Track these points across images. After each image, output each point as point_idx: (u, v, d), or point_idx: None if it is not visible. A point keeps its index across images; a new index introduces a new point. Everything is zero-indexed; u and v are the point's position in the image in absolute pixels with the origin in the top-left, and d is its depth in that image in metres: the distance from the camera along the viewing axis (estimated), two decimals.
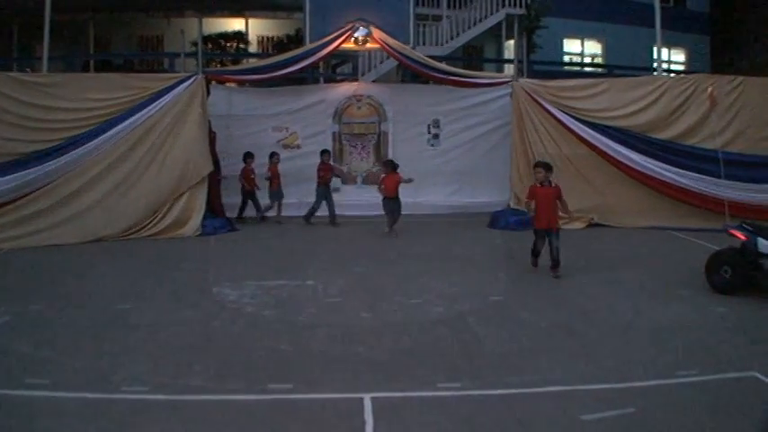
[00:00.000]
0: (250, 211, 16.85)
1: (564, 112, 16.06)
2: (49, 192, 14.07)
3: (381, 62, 24.32)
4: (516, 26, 26.18)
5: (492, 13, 27.52)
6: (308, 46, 16.97)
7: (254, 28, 31.72)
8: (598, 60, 32.65)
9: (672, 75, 24.13)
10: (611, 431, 5.73)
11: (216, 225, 15.15)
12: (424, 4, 26.81)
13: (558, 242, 11.06)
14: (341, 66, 27.17)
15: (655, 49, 20.85)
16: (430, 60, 17.47)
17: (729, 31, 31.83)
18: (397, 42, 16.78)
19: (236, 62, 27.67)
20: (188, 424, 5.81)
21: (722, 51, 32.18)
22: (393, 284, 10.66)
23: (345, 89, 18.71)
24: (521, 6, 27.49)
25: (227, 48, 30.20)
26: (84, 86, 14.96)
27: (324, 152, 16.77)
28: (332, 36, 16.52)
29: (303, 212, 16.41)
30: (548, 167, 11.46)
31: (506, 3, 27.52)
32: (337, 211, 16.33)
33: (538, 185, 11.36)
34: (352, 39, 16.83)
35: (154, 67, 28.66)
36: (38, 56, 19.75)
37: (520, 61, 18.48)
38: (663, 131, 15.85)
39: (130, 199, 14.62)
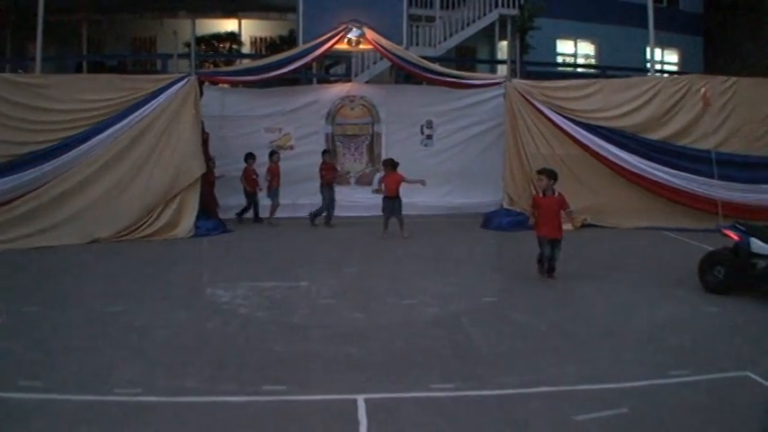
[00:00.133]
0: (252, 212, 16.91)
1: (557, 112, 16.11)
2: (44, 193, 14.09)
3: (374, 63, 24.29)
4: (509, 27, 26.26)
5: (485, 14, 27.48)
6: (302, 47, 16.99)
7: (247, 29, 31.67)
8: (591, 61, 32.67)
9: (665, 75, 24.21)
10: (604, 431, 5.73)
11: (209, 226, 15.13)
12: (417, 5, 26.77)
13: (559, 252, 10.82)
14: (334, 67, 27.12)
15: (648, 49, 20.90)
16: (423, 61, 17.48)
17: (723, 31, 31.88)
18: (390, 43, 16.79)
19: (229, 63, 27.64)
20: (182, 425, 5.79)
21: (715, 52, 32.23)
22: (386, 285, 10.66)
23: (338, 90, 18.72)
24: (514, 7, 27.46)
25: (220, 49, 30.14)
26: (78, 88, 14.97)
27: (325, 152, 16.79)
28: (325, 37, 16.51)
29: (296, 214, 16.45)
30: (551, 175, 10.96)
31: (499, 4, 27.50)
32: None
33: (540, 194, 11.17)
34: (346, 39, 16.85)
35: (147, 69, 28.61)
36: (31, 57, 19.69)
37: (513, 62, 18.53)
38: (656, 132, 15.91)
39: (124, 200, 14.62)
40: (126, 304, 9.39)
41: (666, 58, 33.50)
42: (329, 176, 16.29)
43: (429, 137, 18.20)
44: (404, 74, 20.68)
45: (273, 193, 16.53)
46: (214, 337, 8.14)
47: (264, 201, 16.78)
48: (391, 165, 14.99)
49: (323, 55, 18.21)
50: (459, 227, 15.95)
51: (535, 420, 5.88)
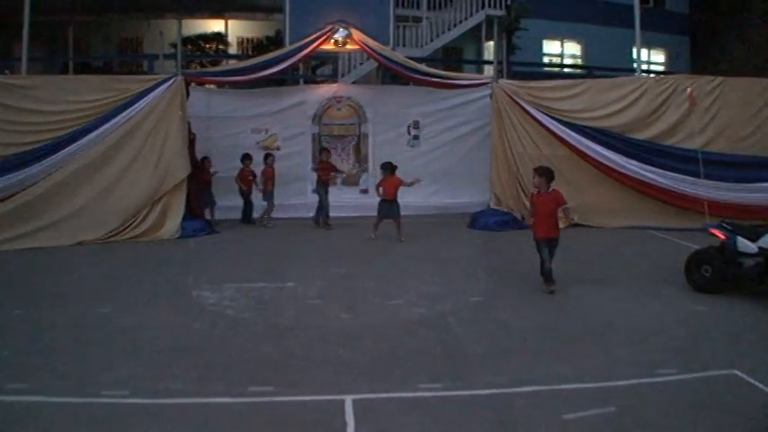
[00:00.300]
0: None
1: (543, 112, 16.10)
2: (30, 195, 14.00)
3: (361, 63, 24.32)
4: (496, 28, 26.22)
5: (472, 15, 27.54)
6: (288, 47, 16.91)
7: (234, 29, 31.64)
8: (578, 61, 32.77)
9: (651, 75, 24.30)
10: (592, 430, 5.73)
11: (195, 227, 15.06)
12: (403, 6, 26.76)
13: (554, 253, 10.29)
14: (321, 67, 27.10)
15: (634, 49, 20.94)
16: (410, 62, 17.45)
17: (709, 31, 32.00)
18: (376, 44, 16.76)
19: (215, 64, 27.58)
20: (169, 427, 5.78)
21: (702, 52, 32.35)
22: (373, 285, 10.64)
23: (325, 91, 18.67)
24: (500, 8, 27.53)
25: (207, 49, 30.08)
26: (64, 89, 14.88)
27: (322, 150, 16.77)
28: (312, 37, 16.45)
29: (284, 215, 16.45)
30: (544, 173, 10.46)
31: (486, 4, 27.56)
32: (317, 213, 16.30)
33: (535, 193, 10.71)
34: (332, 40, 16.76)
35: (133, 70, 28.54)
36: (17, 57, 19.61)
37: (499, 62, 18.54)
38: (642, 132, 15.94)
39: (111, 201, 14.54)
40: (113, 306, 9.34)
41: (653, 59, 33.63)
42: (324, 176, 16.19)
43: (416, 137, 18.18)
44: (390, 74, 20.65)
45: (269, 195, 16.47)
46: (201, 338, 8.11)
47: (260, 202, 16.68)
48: (390, 168, 14.75)
49: (309, 55, 18.16)
50: (445, 227, 15.94)
51: (523, 419, 5.88)
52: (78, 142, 14.34)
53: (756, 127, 15.95)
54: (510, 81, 17.06)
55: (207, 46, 30.21)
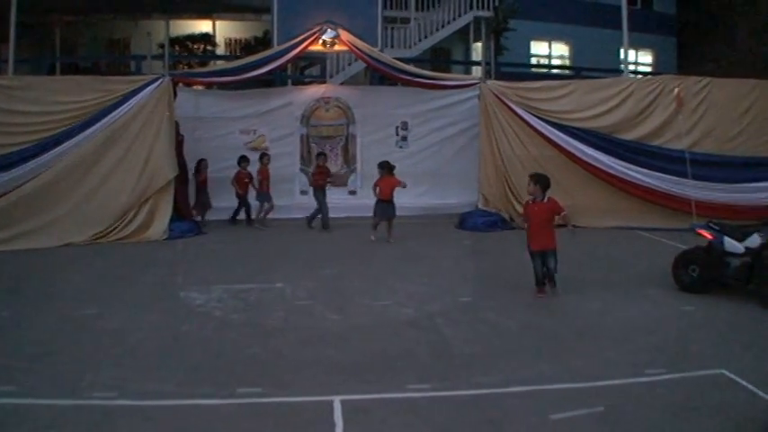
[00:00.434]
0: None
1: (531, 113, 16.13)
2: (18, 196, 13.93)
3: (349, 64, 24.34)
4: (484, 28, 26.33)
5: (460, 16, 27.57)
6: (276, 48, 16.89)
7: (222, 30, 31.54)
8: (565, 62, 32.85)
9: (639, 76, 24.39)
10: (580, 430, 5.74)
11: (183, 229, 15.02)
12: (391, 7, 26.81)
13: (556, 264, 9.83)
14: (309, 68, 27.08)
15: (622, 50, 21.00)
16: (398, 62, 17.47)
17: (696, 32, 32.10)
18: (365, 44, 16.75)
19: (203, 64, 27.51)
20: (157, 429, 5.76)
21: (689, 52, 32.45)
22: (362, 286, 10.64)
23: (313, 91, 18.66)
24: (488, 9, 27.56)
25: (195, 50, 30.00)
26: (52, 89, 14.84)
27: (320, 155, 16.72)
28: (300, 38, 16.44)
29: (275, 216, 16.41)
30: (539, 180, 9.94)
31: (474, 5, 27.59)
32: (305, 214, 16.29)
33: (530, 201, 10.10)
34: (320, 41, 16.76)
35: (121, 70, 28.42)
36: (3, 59, 19.51)
37: (487, 63, 18.58)
38: (630, 132, 15.98)
39: (98, 202, 14.50)
40: (100, 307, 9.30)
41: (640, 59, 33.75)
42: (320, 180, 16.16)
43: (404, 138, 18.17)
44: (379, 75, 20.67)
45: (265, 196, 16.42)
46: (189, 339, 8.08)
47: (254, 203, 16.64)
48: (388, 168, 14.66)
49: (298, 56, 18.16)
50: (434, 227, 15.95)
51: (511, 419, 5.89)
52: (66, 143, 14.28)
53: (743, 127, 16.02)
54: (498, 82, 17.07)
55: (195, 47, 30.12)
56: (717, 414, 5.95)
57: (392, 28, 25.96)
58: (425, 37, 27.10)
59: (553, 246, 9.83)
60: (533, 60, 32.19)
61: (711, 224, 10.32)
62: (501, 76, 19.65)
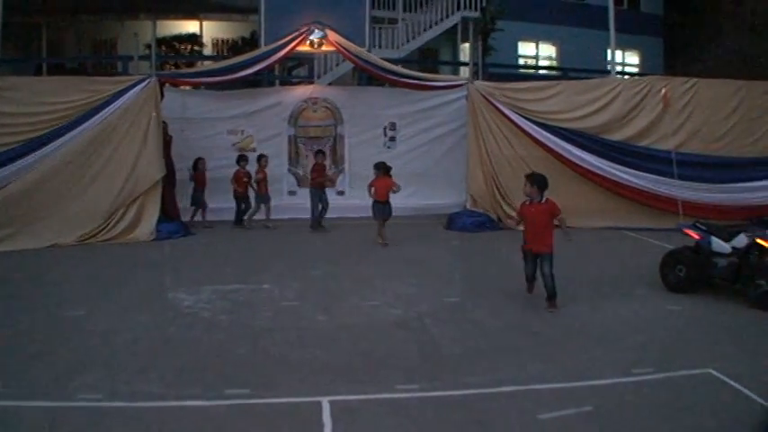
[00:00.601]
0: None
1: (519, 114, 16.17)
2: (2, 197, 13.84)
3: (337, 65, 24.32)
4: (471, 29, 26.40)
5: (447, 17, 27.65)
6: (264, 48, 16.84)
7: (209, 30, 31.45)
8: (553, 63, 32.93)
9: (626, 77, 24.46)
10: (568, 429, 5.76)
11: (170, 229, 14.97)
12: (379, 7, 26.82)
13: (551, 269, 9.29)
14: (296, 68, 27.04)
15: (609, 51, 21.07)
16: (386, 63, 17.46)
17: (683, 33, 32.22)
18: (352, 45, 16.73)
19: (190, 65, 27.41)
20: (145, 431, 5.73)
21: (676, 53, 32.56)
22: (350, 287, 10.63)
23: (301, 92, 18.64)
24: (476, 9, 27.64)
25: (182, 50, 29.91)
26: (39, 90, 14.75)
27: (318, 153, 16.63)
28: (287, 39, 16.41)
29: (263, 217, 16.38)
30: (536, 181, 9.60)
31: (462, 6, 27.68)
32: (293, 215, 16.27)
33: (527, 203, 9.70)
34: (308, 41, 16.74)
35: (107, 71, 28.30)
36: None
37: (475, 64, 18.57)
38: (617, 133, 16.04)
39: (85, 204, 14.43)
40: (87, 309, 9.26)
41: (627, 60, 33.84)
42: (319, 178, 16.04)
43: (392, 138, 18.17)
44: (367, 76, 20.66)
45: (264, 197, 16.38)
46: (177, 341, 8.05)
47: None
48: (384, 168, 14.49)
49: (285, 57, 18.12)
50: (422, 228, 15.95)
51: (499, 419, 5.90)
52: (53, 144, 14.22)
53: (730, 128, 16.11)
54: (486, 82, 17.10)
55: (182, 47, 30.03)
56: (704, 413, 5.98)
57: (380, 28, 26.00)
58: (413, 37, 27.16)
59: (549, 250, 9.34)
60: (521, 61, 32.24)
61: (698, 224, 10.38)
62: (489, 77, 19.69)
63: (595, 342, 7.94)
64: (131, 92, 14.97)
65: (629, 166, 15.71)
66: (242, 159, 16.42)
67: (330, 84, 22.63)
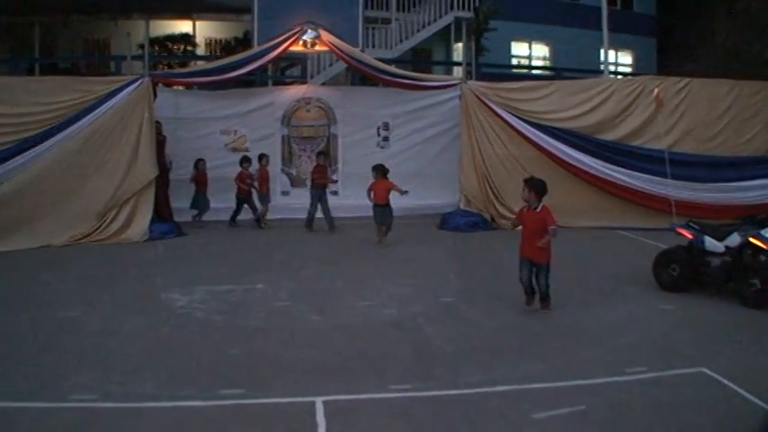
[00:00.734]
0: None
1: (512, 113, 16.18)
2: None
3: (330, 65, 24.31)
4: (465, 29, 26.38)
5: (441, 17, 27.62)
6: (257, 48, 16.82)
7: (202, 30, 31.36)
8: (546, 63, 32.96)
9: (619, 77, 24.51)
10: (562, 429, 5.76)
11: (163, 230, 14.94)
12: (373, 7, 26.80)
13: (547, 280, 9.11)
14: (290, 68, 27.01)
15: (602, 51, 21.09)
16: (379, 63, 17.48)
17: (676, 32, 32.28)
18: (346, 45, 16.73)
19: (183, 65, 27.37)
20: (139, 431, 5.72)
21: (669, 53, 32.63)
22: (344, 287, 10.64)
23: (294, 92, 18.63)
24: (469, 9, 27.63)
25: (175, 50, 29.84)
26: (31, 90, 14.73)
27: (319, 154, 16.61)
28: (280, 38, 16.40)
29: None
30: (534, 186, 9.26)
31: (455, 6, 27.66)
32: (286, 215, 16.24)
33: (525, 209, 9.36)
34: (301, 41, 16.72)
35: (100, 71, 28.23)
36: None
37: (468, 64, 18.63)
38: (610, 133, 16.08)
39: (78, 204, 14.41)
40: (80, 309, 9.24)
41: (620, 60, 33.93)
42: (320, 179, 15.94)
43: (385, 138, 18.18)
44: (360, 76, 20.66)
45: (265, 197, 16.37)
46: (170, 341, 8.04)
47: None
48: (382, 171, 14.43)
49: (279, 57, 18.09)
50: (416, 228, 15.91)
51: (493, 419, 5.89)
52: (45, 144, 14.19)
53: (723, 127, 16.18)
54: (479, 82, 17.14)
55: (174, 47, 29.96)
56: (697, 412, 5.99)
57: (373, 28, 25.95)
58: (406, 37, 27.14)
59: (545, 260, 9.06)
60: (514, 61, 32.28)
61: (691, 223, 10.39)
62: (482, 77, 19.72)
63: (589, 341, 7.95)
64: (124, 92, 14.94)
65: (623, 166, 15.74)
66: (245, 161, 16.38)
67: (323, 84, 22.62)
